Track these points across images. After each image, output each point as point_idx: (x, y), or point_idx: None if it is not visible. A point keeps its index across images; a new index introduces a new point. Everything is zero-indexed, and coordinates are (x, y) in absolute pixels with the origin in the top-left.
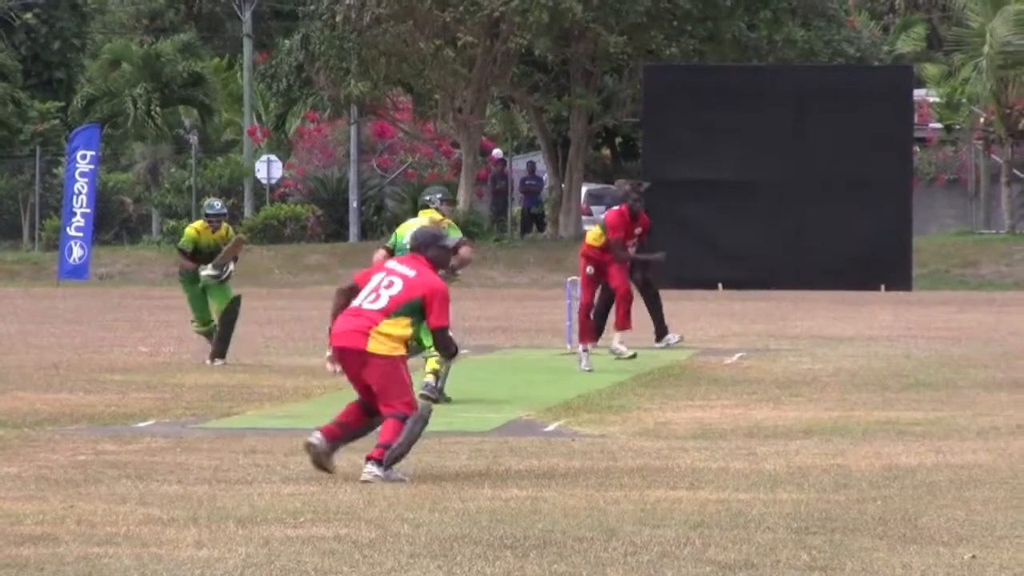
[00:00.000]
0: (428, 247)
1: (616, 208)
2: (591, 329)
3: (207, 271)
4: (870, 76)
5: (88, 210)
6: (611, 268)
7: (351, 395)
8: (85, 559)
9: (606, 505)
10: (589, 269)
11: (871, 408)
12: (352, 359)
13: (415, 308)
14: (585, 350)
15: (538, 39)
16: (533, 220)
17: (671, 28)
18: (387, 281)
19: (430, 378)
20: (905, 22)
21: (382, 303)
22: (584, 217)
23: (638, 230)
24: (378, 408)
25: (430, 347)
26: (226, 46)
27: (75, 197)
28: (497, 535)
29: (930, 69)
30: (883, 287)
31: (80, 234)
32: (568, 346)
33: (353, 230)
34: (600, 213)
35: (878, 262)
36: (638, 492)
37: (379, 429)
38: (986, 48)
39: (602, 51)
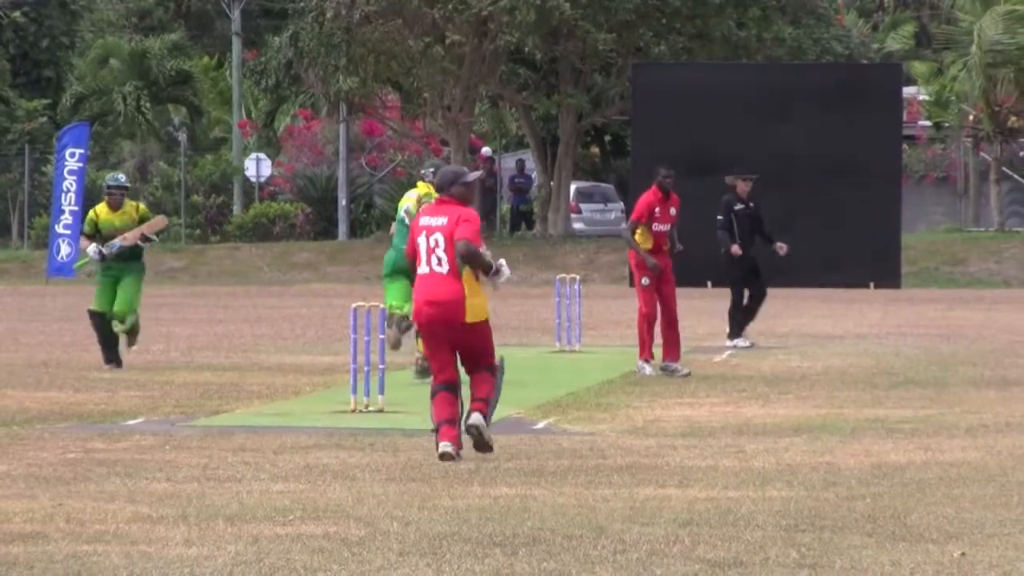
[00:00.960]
0: (451, 184)
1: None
2: (668, 342)
3: (93, 247)
4: (859, 74)
5: (77, 208)
6: (666, 279)
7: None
8: (74, 557)
9: (595, 503)
10: (645, 280)
11: (860, 406)
12: (451, 329)
13: None
14: (666, 364)
15: (527, 37)
16: (522, 218)
17: (660, 26)
18: (433, 241)
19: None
20: (894, 20)
21: (447, 265)
22: (573, 215)
23: (673, 210)
24: (466, 363)
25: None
26: (215, 44)
27: (64, 195)
28: (486, 533)
29: (919, 67)
30: (872, 285)
31: (68, 232)
32: (558, 344)
33: (342, 228)
34: (590, 211)
35: (867, 260)
36: (627, 490)
37: (473, 383)
38: (974, 47)
39: (591, 49)
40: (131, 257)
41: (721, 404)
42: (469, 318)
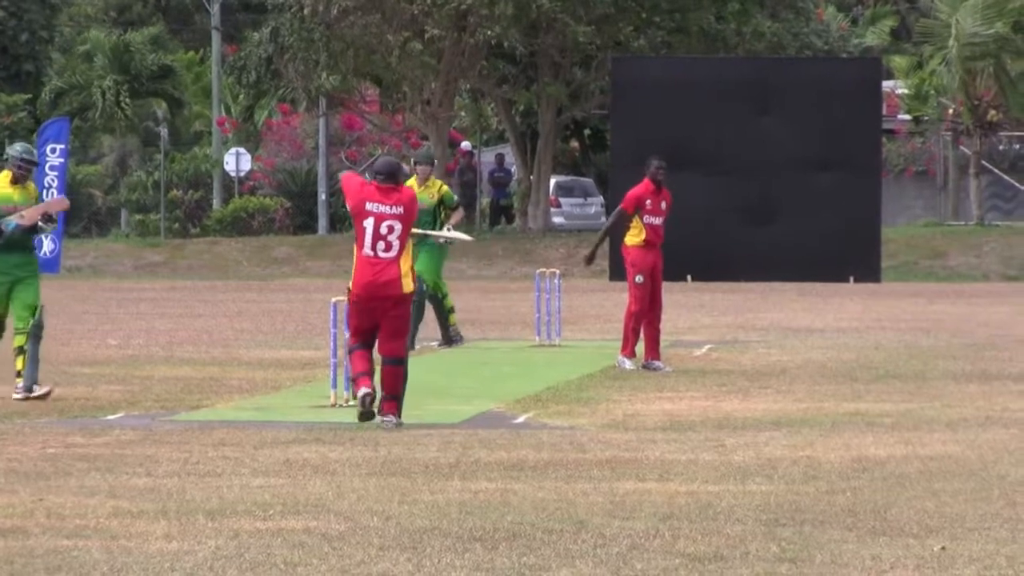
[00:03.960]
0: (400, 173)
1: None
2: (649, 340)
3: None
4: (839, 68)
5: None
6: (655, 277)
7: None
8: (55, 552)
9: (575, 497)
10: (638, 278)
11: (840, 400)
12: (389, 303)
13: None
14: (648, 362)
15: (506, 31)
16: (502, 212)
17: (639, 20)
18: (386, 227)
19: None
20: (874, 15)
21: (395, 250)
22: (553, 209)
23: (663, 204)
24: (384, 339)
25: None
26: (195, 39)
27: (46, 191)
28: (466, 527)
29: (898, 61)
30: (852, 279)
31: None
32: (537, 338)
33: (322, 222)
34: (569, 205)
35: (847, 254)
36: (607, 484)
37: (384, 374)
38: (952, 40)
39: (571, 41)
40: (22, 249)
41: (701, 398)
42: (404, 289)
